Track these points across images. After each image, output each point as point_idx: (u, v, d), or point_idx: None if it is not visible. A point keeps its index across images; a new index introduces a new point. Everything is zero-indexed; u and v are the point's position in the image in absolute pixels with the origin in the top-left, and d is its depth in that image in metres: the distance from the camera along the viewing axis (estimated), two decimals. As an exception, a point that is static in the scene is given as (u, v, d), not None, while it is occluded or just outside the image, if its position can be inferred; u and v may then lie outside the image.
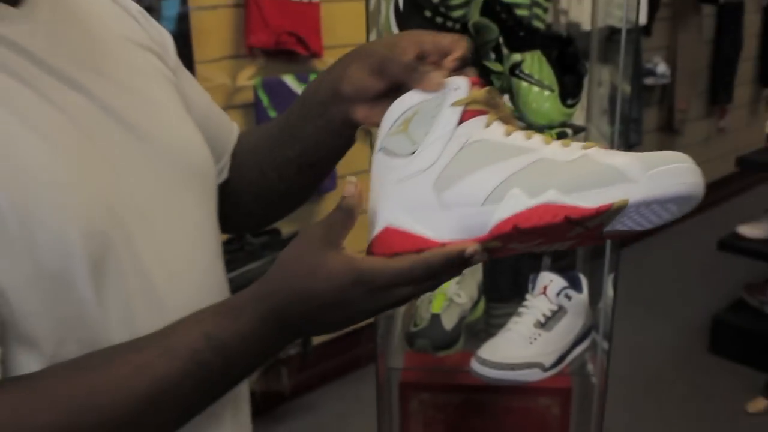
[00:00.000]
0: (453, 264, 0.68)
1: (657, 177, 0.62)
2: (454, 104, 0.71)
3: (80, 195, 0.66)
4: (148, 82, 0.83)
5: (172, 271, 0.74)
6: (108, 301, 0.67)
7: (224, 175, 0.96)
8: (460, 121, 0.70)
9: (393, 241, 0.70)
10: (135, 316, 0.70)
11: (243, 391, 0.89)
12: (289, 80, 2.39)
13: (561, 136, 1.47)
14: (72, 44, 0.74)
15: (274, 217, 1.05)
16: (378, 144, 0.74)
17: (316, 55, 2.44)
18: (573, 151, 0.68)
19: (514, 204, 0.66)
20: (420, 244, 0.69)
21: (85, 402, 0.64)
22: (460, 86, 0.71)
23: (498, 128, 0.71)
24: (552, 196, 0.64)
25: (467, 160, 0.69)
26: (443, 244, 0.68)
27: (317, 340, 2.55)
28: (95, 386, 0.65)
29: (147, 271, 0.71)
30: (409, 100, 0.73)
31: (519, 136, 0.70)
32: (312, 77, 2.43)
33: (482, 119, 0.71)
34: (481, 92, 0.71)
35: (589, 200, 0.63)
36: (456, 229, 0.69)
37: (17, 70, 0.67)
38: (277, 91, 2.42)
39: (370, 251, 0.72)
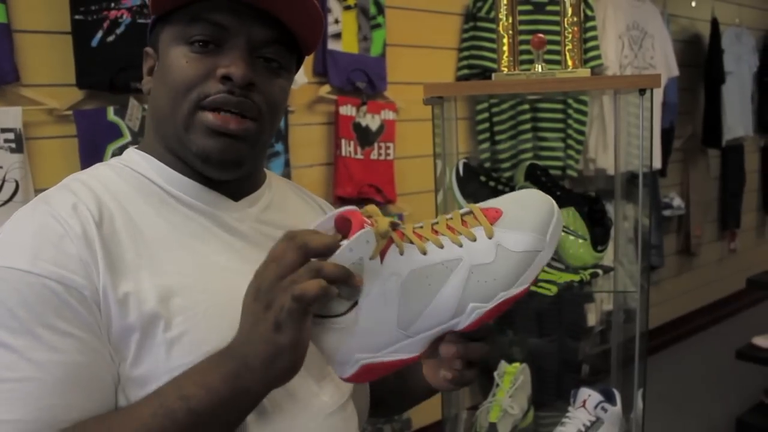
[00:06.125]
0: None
1: (551, 236, 0.69)
2: (372, 258, 0.65)
3: None
4: None
5: None
6: None
7: None
8: (381, 261, 0.66)
9: (372, 371, 0.68)
10: None
11: None
12: (369, 222, 2.46)
13: (593, 276, 1.51)
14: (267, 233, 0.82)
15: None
16: None
17: (390, 201, 2.52)
18: (482, 243, 0.68)
19: (477, 312, 0.68)
20: (399, 365, 0.69)
21: None
22: (369, 239, 0.65)
23: (412, 250, 0.67)
24: (502, 296, 0.68)
25: (415, 297, 0.67)
26: (418, 357, 0.69)
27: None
28: None
29: None
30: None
31: (432, 248, 0.68)
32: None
33: (394, 249, 0.67)
34: (384, 226, 0.66)
35: (525, 282, 0.68)
36: (428, 343, 0.70)
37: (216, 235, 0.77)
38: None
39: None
